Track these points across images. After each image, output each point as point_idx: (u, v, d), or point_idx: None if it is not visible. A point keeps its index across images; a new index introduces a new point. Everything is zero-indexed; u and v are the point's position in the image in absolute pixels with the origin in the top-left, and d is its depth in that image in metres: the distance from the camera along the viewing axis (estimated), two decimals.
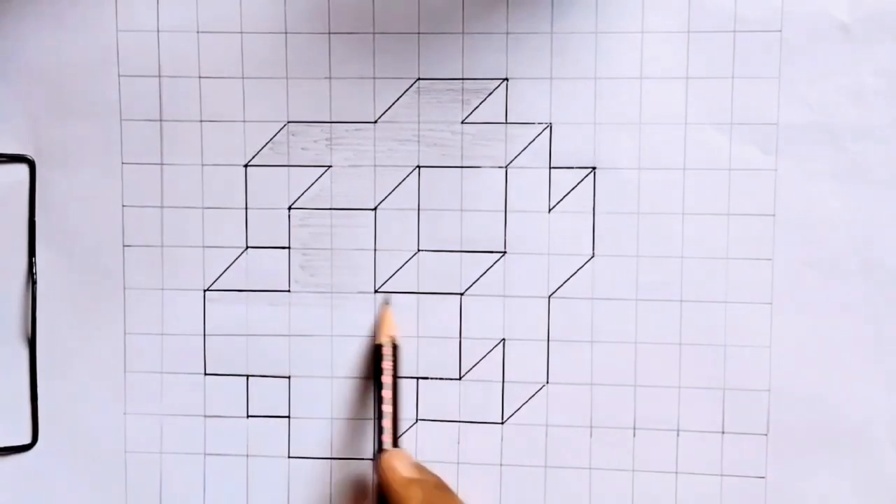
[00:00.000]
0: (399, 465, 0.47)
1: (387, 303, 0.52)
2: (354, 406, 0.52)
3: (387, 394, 0.50)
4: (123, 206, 0.53)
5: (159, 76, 0.52)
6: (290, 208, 0.52)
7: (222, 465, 0.53)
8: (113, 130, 0.52)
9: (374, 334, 0.52)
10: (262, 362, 0.52)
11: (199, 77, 0.52)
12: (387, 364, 0.50)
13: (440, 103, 0.51)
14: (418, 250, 0.52)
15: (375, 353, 0.51)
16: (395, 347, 0.51)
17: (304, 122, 0.52)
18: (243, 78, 0.52)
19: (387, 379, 0.50)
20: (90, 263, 0.53)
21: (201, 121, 0.52)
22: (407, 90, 0.51)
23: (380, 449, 0.49)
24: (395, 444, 0.50)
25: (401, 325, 0.52)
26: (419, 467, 0.48)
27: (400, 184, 0.52)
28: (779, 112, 0.50)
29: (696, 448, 0.51)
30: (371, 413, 0.52)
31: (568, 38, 0.50)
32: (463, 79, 0.51)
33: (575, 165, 0.51)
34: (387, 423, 0.49)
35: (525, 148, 0.51)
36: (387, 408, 0.50)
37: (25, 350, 0.53)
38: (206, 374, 0.53)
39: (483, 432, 0.52)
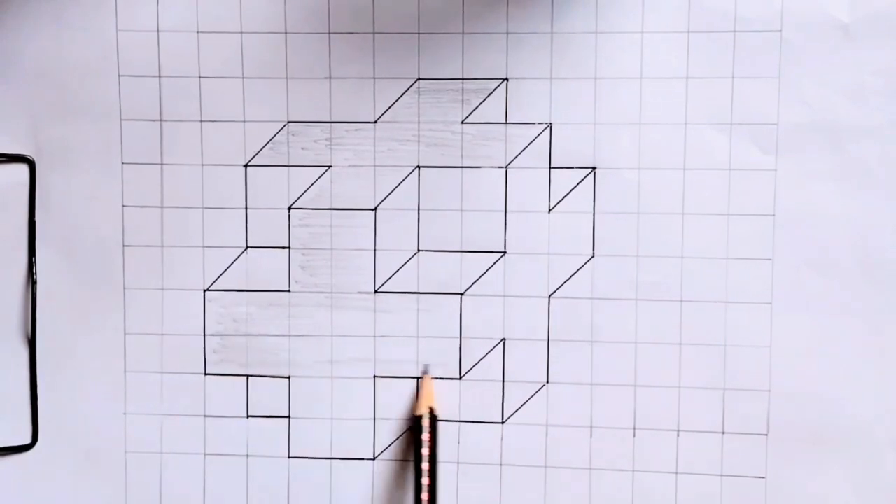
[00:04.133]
0: None
1: (427, 371, 0.51)
2: (354, 406, 0.52)
3: (426, 467, 0.48)
4: (123, 206, 0.53)
5: (159, 76, 0.52)
6: (290, 208, 0.52)
7: (222, 465, 0.53)
8: (113, 130, 0.52)
9: (414, 405, 0.51)
10: (262, 362, 0.52)
11: (199, 77, 0.52)
12: (426, 437, 0.49)
13: (440, 103, 0.51)
14: (418, 250, 0.52)
15: (415, 425, 0.50)
16: (434, 418, 0.50)
17: (304, 122, 0.52)
18: (243, 78, 0.52)
19: (426, 452, 0.48)
20: (90, 263, 0.53)
21: (201, 121, 0.52)
22: (407, 90, 0.51)
23: None
24: None
25: (397, 326, 0.52)
26: None
27: (400, 184, 0.52)
28: (779, 112, 0.50)
29: (696, 448, 0.51)
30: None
31: (568, 38, 0.50)
32: (463, 79, 0.51)
33: (575, 165, 0.51)
34: (427, 496, 0.48)
35: (525, 148, 0.51)
36: (427, 481, 0.48)
37: (25, 350, 0.53)
38: (206, 374, 0.53)
39: (483, 432, 0.52)
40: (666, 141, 0.50)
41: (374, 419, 0.52)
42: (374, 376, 0.52)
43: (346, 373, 0.52)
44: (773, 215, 0.50)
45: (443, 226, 0.52)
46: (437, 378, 0.52)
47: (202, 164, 0.52)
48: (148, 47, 0.52)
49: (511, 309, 0.51)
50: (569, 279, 0.51)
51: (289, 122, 0.52)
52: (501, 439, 0.52)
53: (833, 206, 0.50)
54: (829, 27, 0.49)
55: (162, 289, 0.53)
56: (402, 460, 0.52)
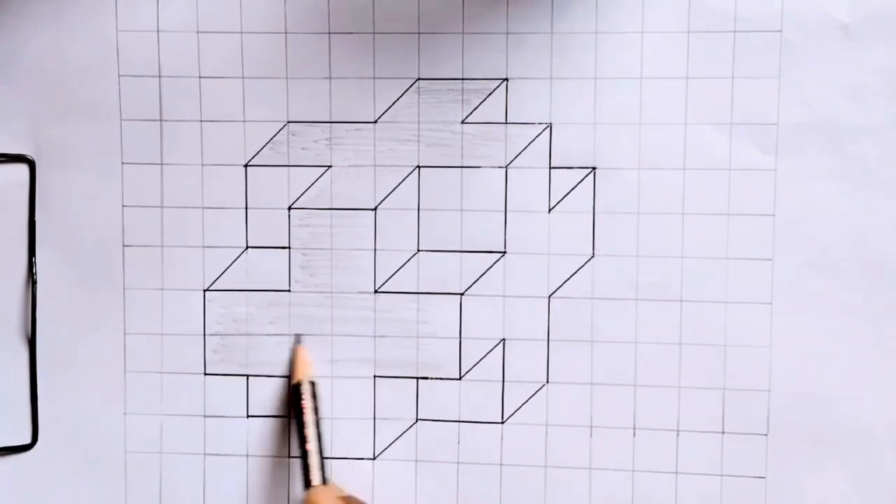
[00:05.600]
0: (323, 501, 0.48)
1: (299, 342, 0.52)
2: (354, 406, 0.52)
3: (309, 432, 0.50)
4: (123, 206, 0.53)
5: (159, 76, 0.52)
6: (290, 208, 0.52)
7: (222, 465, 0.53)
8: (113, 130, 0.52)
9: (290, 374, 0.52)
10: (262, 362, 0.52)
11: (199, 77, 0.52)
12: (306, 403, 0.50)
13: (440, 103, 0.51)
14: (418, 250, 0.52)
15: (293, 392, 0.51)
16: (312, 385, 0.51)
17: (304, 122, 0.52)
18: (243, 78, 0.52)
19: (307, 417, 0.50)
20: (90, 263, 0.53)
21: (201, 121, 0.52)
22: (407, 90, 0.51)
23: (307, 486, 0.49)
24: (324, 479, 0.50)
25: (397, 326, 0.52)
26: (348, 500, 0.49)
27: (400, 184, 0.52)
28: (779, 112, 0.50)
29: (696, 448, 0.51)
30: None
31: (568, 38, 0.50)
32: (463, 79, 0.51)
33: (575, 165, 0.51)
34: (312, 460, 0.50)
35: (525, 148, 0.51)
36: (311, 446, 0.50)
37: (25, 350, 0.53)
38: (206, 374, 0.53)
39: (483, 432, 0.52)
40: (666, 141, 0.50)
41: (374, 419, 0.52)
42: (375, 376, 0.52)
43: (346, 373, 0.52)
44: (773, 215, 0.50)
45: (443, 226, 0.52)
46: (436, 378, 0.52)
47: (202, 164, 0.52)
48: (148, 47, 0.52)
49: (511, 309, 0.51)
50: (569, 279, 0.51)
51: (289, 122, 0.52)
52: (501, 439, 0.52)
53: (833, 206, 0.50)
54: (829, 27, 0.49)
55: (162, 289, 0.53)
56: (404, 460, 0.52)
